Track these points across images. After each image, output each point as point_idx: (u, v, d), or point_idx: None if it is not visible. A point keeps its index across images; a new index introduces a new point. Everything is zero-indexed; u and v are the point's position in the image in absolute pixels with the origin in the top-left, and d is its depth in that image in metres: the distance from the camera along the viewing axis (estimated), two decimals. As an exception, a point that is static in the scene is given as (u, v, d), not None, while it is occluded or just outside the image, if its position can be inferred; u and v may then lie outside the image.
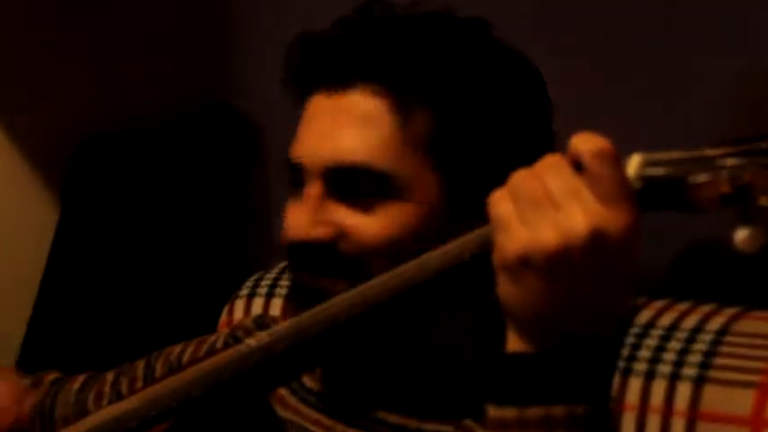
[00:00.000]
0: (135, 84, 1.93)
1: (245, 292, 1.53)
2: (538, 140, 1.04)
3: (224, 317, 1.53)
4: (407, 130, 1.02)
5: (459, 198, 1.03)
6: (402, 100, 1.02)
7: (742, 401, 1.11)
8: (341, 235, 1.03)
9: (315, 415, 1.10)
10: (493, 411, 0.87)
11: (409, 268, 0.93)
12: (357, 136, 1.03)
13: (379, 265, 0.99)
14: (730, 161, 0.80)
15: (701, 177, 0.81)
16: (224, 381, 0.97)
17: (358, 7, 1.07)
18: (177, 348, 1.29)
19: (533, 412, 0.85)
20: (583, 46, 1.48)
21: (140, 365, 1.30)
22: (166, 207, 1.88)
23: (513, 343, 0.87)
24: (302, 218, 1.04)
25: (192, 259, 1.89)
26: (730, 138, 0.82)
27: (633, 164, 0.84)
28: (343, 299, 0.95)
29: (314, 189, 1.04)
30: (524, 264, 0.83)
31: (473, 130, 1.03)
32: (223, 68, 1.97)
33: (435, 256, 0.92)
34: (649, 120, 1.42)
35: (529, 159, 0.87)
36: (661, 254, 1.36)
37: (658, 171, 0.83)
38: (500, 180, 0.89)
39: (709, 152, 0.82)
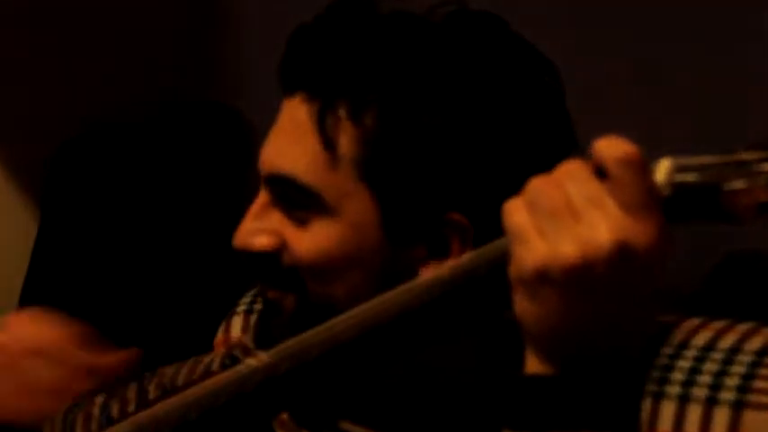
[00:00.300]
0: (123, 82, 1.94)
1: (242, 308, 1.52)
2: (522, 155, 1.02)
3: (220, 335, 1.50)
4: (335, 146, 1.01)
5: (396, 219, 1.01)
6: (330, 115, 1.01)
7: (785, 428, 1.12)
8: (284, 246, 1.03)
9: None
10: None
11: (420, 283, 0.93)
12: (287, 146, 1.04)
13: (312, 281, 1.01)
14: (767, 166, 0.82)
15: (737, 184, 0.80)
16: (223, 404, 0.98)
17: (335, 6, 1.05)
18: (170, 370, 1.29)
19: None
20: (609, 43, 1.49)
21: (132, 387, 1.31)
22: (155, 210, 1.88)
23: (532, 364, 0.86)
24: (245, 225, 1.05)
25: (183, 266, 1.89)
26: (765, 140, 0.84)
27: (662, 169, 0.83)
28: (350, 316, 0.94)
29: (261, 196, 1.05)
30: (542, 278, 0.82)
31: (415, 152, 1.00)
32: (217, 66, 1.98)
33: (447, 270, 0.92)
34: (679, 122, 1.44)
35: (514, 175, 0.88)
36: (695, 268, 1.37)
37: (690, 177, 0.81)
38: (455, 200, 0.92)
39: (745, 156, 0.80)
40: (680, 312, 1.25)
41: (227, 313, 1.53)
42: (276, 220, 1.05)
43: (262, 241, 1.05)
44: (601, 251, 0.82)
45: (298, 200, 1.04)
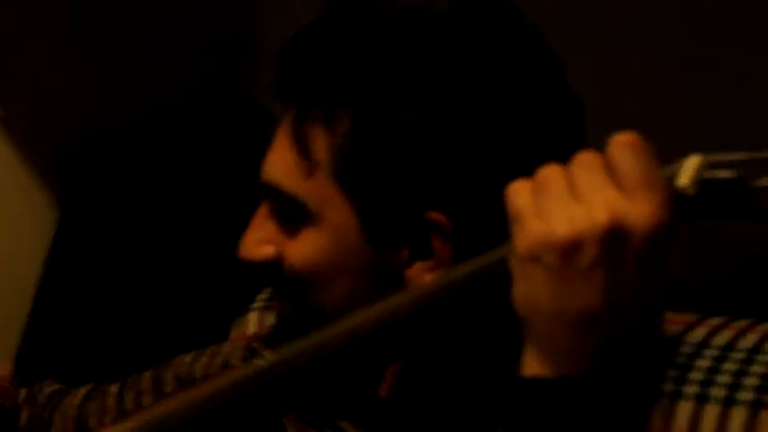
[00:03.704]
0: (145, 76, 1.93)
1: (258, 305, 1.52)
2: (503, 152, 1.01)
3: (235, 331, 1.52)
4: (309, 153, 1.02)
5: (376, 223, 1.02)
6: (305, 122, 1.03)
7: (803, 429, 1.10)
8: (282, 256, 1.05)
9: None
10: None
11: (438, 279, 0.93)
12: (274, 155, 1.05)
13: (308, 290, 1.03)
14: (798, 164, 0.80)
15: (766, 181, 0.80)
16: (240, 397, 0.97)
17: (333, 11, 1.06)
18: (187, 358, 1.29)
19: None
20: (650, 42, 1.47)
21: (147, 377, 1.30)
22: (176, 206, 1.87)
23: (530, 364, 0.86)
24: (248, 236, 1.07)
25: (202, 262, 1.88)
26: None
27: (691, 165, 0.83)
28: (365, 313, 0.94)
29: (263, 207, 1.07)
30: (535, 257, 0.82)
31: (389, 155, 1.01)
32: (240, 58, 1.97)
33: (463, 266, 0.91)
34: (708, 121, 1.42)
35: (495, 173, 0.89)
36: (718, 267, 1.35)
37: (718, 174, 0.82)
38: (438, 201, 0.92)
39: (775, 153, 0.81)
40: (701, 312, 1.22)
41: (241, 311, 1.52)
42: (273, 230, 1.07)
43: (262, 252, 1.06)
44: (593, 229, 0.82)
45: (287, 209, 1.05)
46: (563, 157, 0.86)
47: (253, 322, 1.51)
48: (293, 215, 1.04)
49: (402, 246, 1.03)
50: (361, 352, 1.02)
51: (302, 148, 1.03)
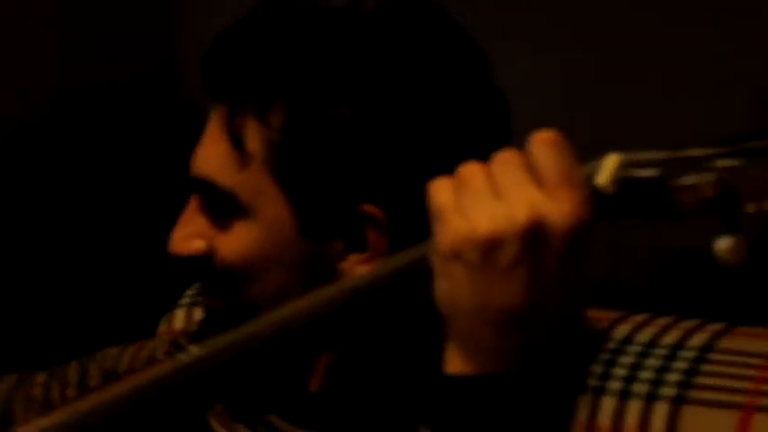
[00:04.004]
0: (71, 74, 1.91)
1: (186, 300, 1.52)
2: (435, 145, 1.02)
3: (163, 327, 1.51)
4: (243, 145, 1.02)
5: (310, 216, 1.03)
6: (238, 115, 1.03)
7: (723, 423, 1.11)
8: (212, 250, 1.05)
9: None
10: None
11: (364, 274, 0.94)
12: (205, 149, 1.05)
13: (240, 284, 1.03)
14: (716, 163, 0.80)
15: (684, 180, 0.81)
16: (162, 392, 0.97)
17: (262, 7, 1.06)
18: (114, 351, 1.28)
19: None
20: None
21: (73, 369, 1.29)
22: (105, 201, 1.86)
23: (453, 362, 0.86)
24: (177, 231, 1.06)
25: (132, 257, 1.87)
26: (718, 137, 0.82)
27: (610, 164, 0.83)
28: (293, 306, 0.94)
29: (192, 201, 1.07)
30: (457, 254, 0.83)
31: (323, 147, 1.01)
32: (167, 55, 1.96)
33: (389, 261, 0.92)
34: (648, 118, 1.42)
35: (427, 164, 0.89)
36: (642, 265, 1.36)
37: (638, 172, 0.82)
38: (365, 191, 0.93)
39: (694, 152, 0.81)
40: (626, 309, 1.24)
41: (171, 306, 1.51)
42: (203, 224, 1.06)
43: (191, 247, 1.06)
44: (513, 227, 0.82)
45: (218, 203, 1.05)
46: (490, 153, 0.86)
47: (180, 318, 1.50)
48: (225, 209, 1.04)
49: (336, 238, 1.03)
50: (289, 345, 1.02)
51: (236, 141, 1.03)
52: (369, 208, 1.01)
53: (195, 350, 0.97)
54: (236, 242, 1.03)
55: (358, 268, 1.02)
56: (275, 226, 1.03)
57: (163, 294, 1.56)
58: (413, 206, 0.94)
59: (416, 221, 0.89)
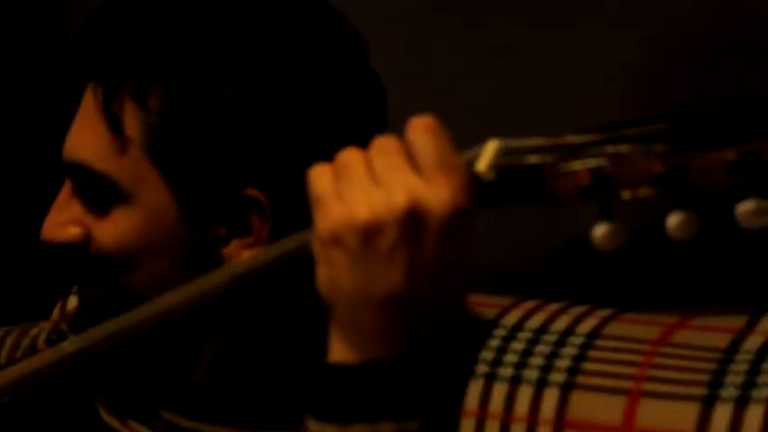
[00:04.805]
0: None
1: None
2: (318, 129, 1.02)
3: (56, 315, 1.50)
4: (122, 130, 1.01)
5: (192, 201, 1.02)
6: (115, 99, 1.01)
7: (612, 409, 1.11)
8: (88, 237, 1.03)
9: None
10: (313, 427, 0.86)
11: (246, 261, 0.93)
12: (80, 133, 1.04)
13: (118, 271, 1.02)
14: (593, 150, 0.80)
15: (561, 168, 0.80)
16: (41, 384, 0.96)
17: None
18: None
19: (357, 430, 0.84)
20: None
21: None
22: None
23: (336, 351, 0.86)
24: (50, 217, 1.04)
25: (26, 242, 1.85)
26: (595, 124, 0.82)
27: (490, 150, 0.83)
28: (175, 294, 0.93)
29: (66, 186, 1.05)
30: (336, 240, 0.83)
31: (202, 131, 1.01)
32: (55, 35, 1.93)
33: (271, 248, 0.91)
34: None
35: (311, 148, 0.90)
36: (536, 252, 1.37)
37: (515, 160, 0.82)
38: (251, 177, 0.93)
39: (572, 139, 0.81)
40: (519, 295, 1.24)
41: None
42: (79, 210, 1.05)
43: (66, 233, 1.04)
44: (392, 213, 0.82)
45: (94, 188, 1.03)
46: (369, 139, 0.86)
47: (74, 303, 1.48)
48: (102, 195, 1.02)
49: (219, 223, 1.03)
50: (171, 335, 1.01)
51: (114, 125, 1.01)
52: (251, 192, 1.01)
53: (76, 339, 0.96)
54: (115, 229, 1.02)
55: (241, 253, 1.02)
56: (156, 212, 1.01)
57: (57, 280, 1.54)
58: (295, 190, 0.93)
59: (299, 206, 0.89)
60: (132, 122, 1.01)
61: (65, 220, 1.04)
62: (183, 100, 1.00)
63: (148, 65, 1.01)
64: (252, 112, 1.00)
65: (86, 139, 1.03)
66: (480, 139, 0.84)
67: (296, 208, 0.93)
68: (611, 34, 1.34)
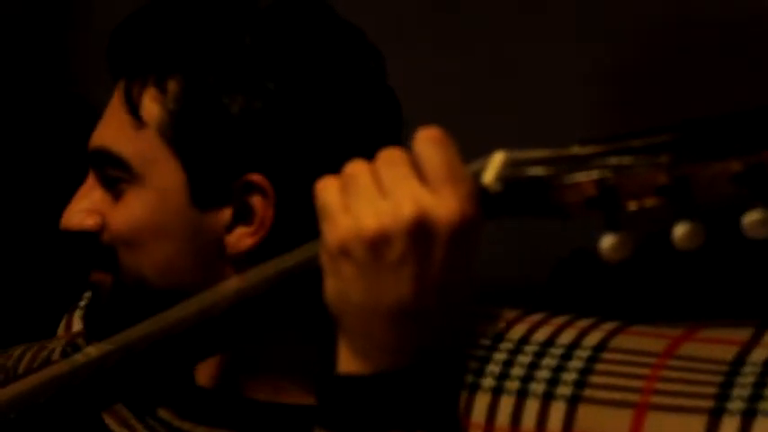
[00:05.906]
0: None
1: (84, 302, 1.51)
2: (327, 125, 1.04)
3: (61, 330, 1.50)
4: (138, 112, 1.05)
5: (201, 181, 1.05)
6: (136, 84, 1.06)
7: (619, 422, 1.12)
8: (104, 224, 1.06)
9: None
10: None
11: (251, 274, 0.93)
12: (104, 122, 1.08)
13: (125, 256, 1.05)
14: (598, 161, 0.80)
15: (566, 179, 0.81)
16: (55, 394, 0.97)
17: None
18: (17, 352, 1.28)
19: None
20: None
21: None
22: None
23: (345, 362, 0.87)
24: (71, 206, 1.08)
25: (30, 258, 1.86)
26: (600, 135, 0.82)
27: (494, 163, 0.83)
28: (183, 307, 0.95)
29: (89, 177, 1.08)
30: (344, 252, 0.83)
31: (216, 115, 1.04)
32: (65, 56, 1.94)
33: (276, 261, 0.91)
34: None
35: (318, 141, 0.95)
36: (540, 264, 1.37)
37: (521, 171, 0.82)
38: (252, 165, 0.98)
39: (577, 151, 0.81)
40: (525, 308, 1.24)
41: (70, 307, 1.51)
42: (98, 198, 1.08)
43: (83, 221, 1.07)
44: (400, 224, 0.83)
45: (112, 172, 1.07)
46: (379, 149, 0.86)
47: (78, 319, 1.49)
48: (118, 178, 1.06)
49: (225, 205, 1.05)
50: (181, 345, 1.01)
51: (132, 108, 1.05)
52: (257, 177, 1.04)
53: (91, 350, 0.97)
54: (127, 210, 1.05)
55: (244, 241, 1.04)
56: (166, 192, 1.05)
57: (62, 295, 1.55)
58: (301, 183, 0.96)
59: (304, 199, 0.90)
60: (150, 105, 1.05)
61: (84, 209, 1.07)
62: (199, 85, 1.04)
63: (170, 56, 1.05)
64: (263, 102, 1.03)
65: (108, 126, 1.07)
66: (485, 151, 0.84)
67: (301, 201, 0.94)
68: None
